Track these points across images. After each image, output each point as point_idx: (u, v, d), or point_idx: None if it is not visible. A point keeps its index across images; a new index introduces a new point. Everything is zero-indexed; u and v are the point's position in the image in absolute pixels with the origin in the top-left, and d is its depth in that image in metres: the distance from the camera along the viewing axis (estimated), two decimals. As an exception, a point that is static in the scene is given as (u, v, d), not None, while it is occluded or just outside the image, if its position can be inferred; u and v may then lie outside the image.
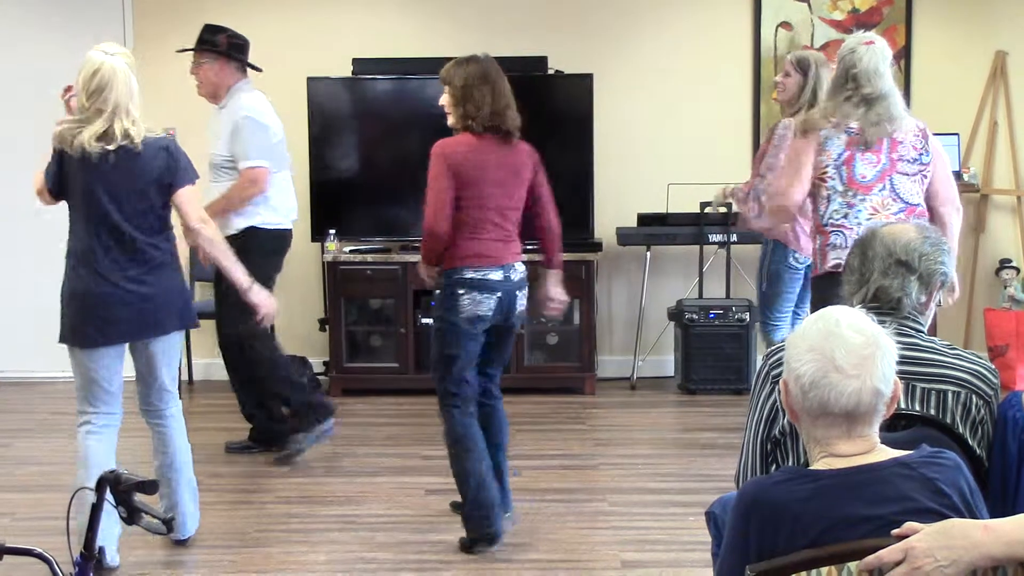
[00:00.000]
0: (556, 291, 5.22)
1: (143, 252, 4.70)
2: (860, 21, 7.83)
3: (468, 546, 4.97)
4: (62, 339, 4.73)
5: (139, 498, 2.75)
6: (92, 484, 2.74)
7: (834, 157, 4.97)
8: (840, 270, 4.74)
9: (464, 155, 4.87)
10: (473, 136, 4.90)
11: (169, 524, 2.81)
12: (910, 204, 4.96)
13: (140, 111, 4.66)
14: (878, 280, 3.05)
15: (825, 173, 4.98)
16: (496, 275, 4.91)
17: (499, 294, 4.91)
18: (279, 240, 6.27)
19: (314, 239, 7.79)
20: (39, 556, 2.72)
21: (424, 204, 4.90)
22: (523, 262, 5.05)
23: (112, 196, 4.62)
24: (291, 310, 8.03)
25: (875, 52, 4.99)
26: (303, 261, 8.03)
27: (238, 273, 4.98)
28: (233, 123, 6.12)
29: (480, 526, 4.95)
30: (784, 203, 5.09)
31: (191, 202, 4.78)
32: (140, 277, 4.69)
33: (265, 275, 5.70)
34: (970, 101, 7.98)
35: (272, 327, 5.90)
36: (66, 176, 4.65)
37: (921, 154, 4.99)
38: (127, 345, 4.79)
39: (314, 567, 4.86)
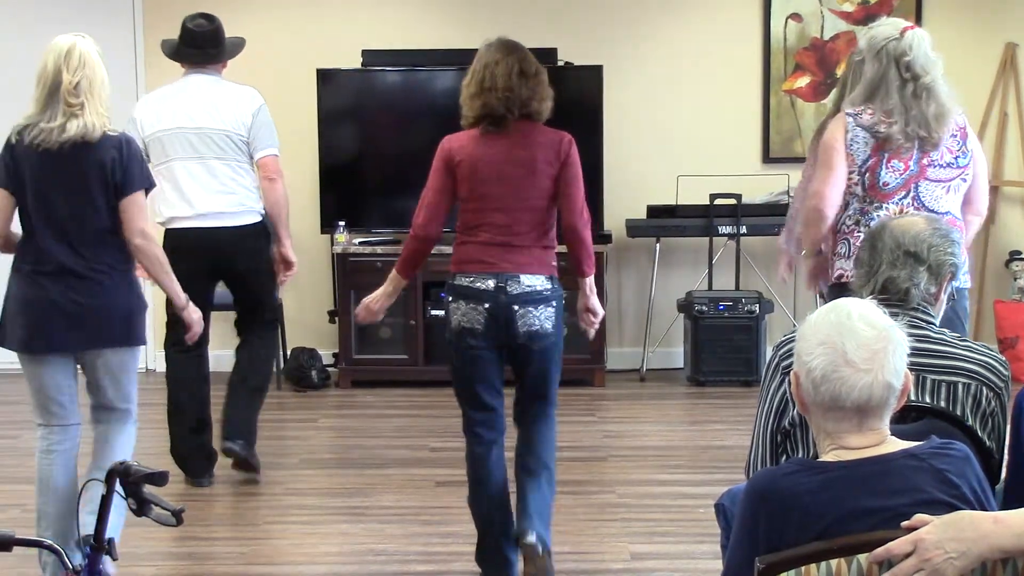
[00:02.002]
0: (590, 302, 4.64)
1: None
2: (870, 12, 7.80)
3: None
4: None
5: (149, 489, 2.75)
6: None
7: (859, 162, 4.54)
8: (843, 280, 4.50)
9: (463, 148, 4.45)
10: (477, 130, 4.46)
11: (179, 516, 2.81)
12: (938, 213, 4.43)
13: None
14: (886, 272, 3.05)
15: (850, 178, 4.56)
16: (486, 283, 4.37)
17: (487, 305, 4.35)
18: (166, 240, 5.52)
19: (323, 231, 7.80)
20: (49, 547, 2.73)
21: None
22: (550, 276, 4.47)
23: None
24: (300, 302, 8.05)
25: (923, 37, 4.58)
26: (313, 253, 8.04)
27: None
28: None
29: (486, 568, 4.60)
30: (817, 204, 4.58)
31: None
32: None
33: None
34: (980, 93, 7.95)
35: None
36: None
37: (957, 156, 4.56)
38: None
39: (324, 558, 4.87)
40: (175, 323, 5.21)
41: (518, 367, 4.52)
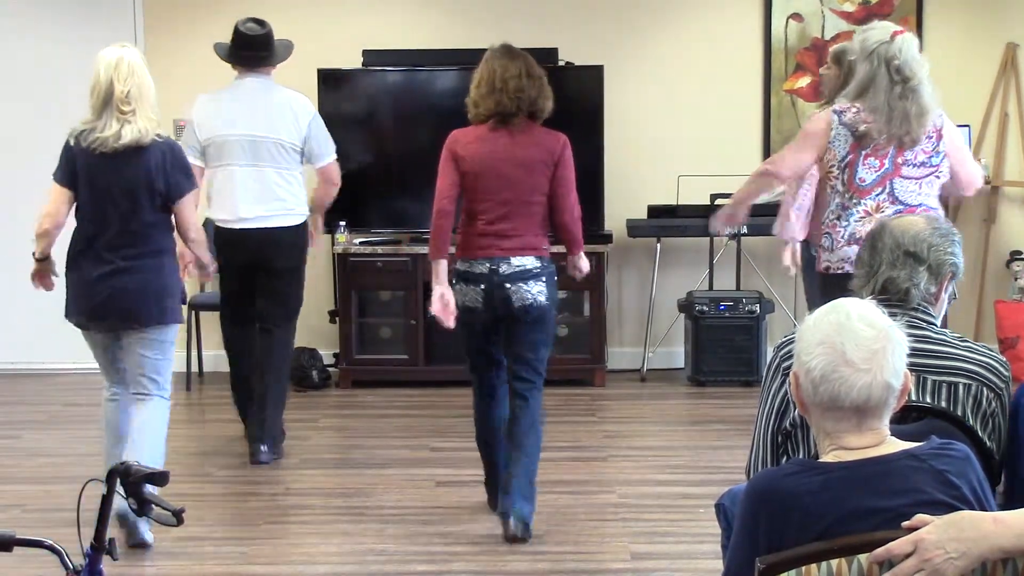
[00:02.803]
0: (579, 262, 5.23)
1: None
2: (871, 12, 7.80)
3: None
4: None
5: (150, 489, 2.75)
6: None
7: (839, 158, 4.88)
8: (829, 272, 4.90)
9: (466, 145, 4.95)
10: (483, 126, 4.96)
11: (179, 516, 2.81)
12: (908, 205, 4.83)
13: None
14: (886, 272, 3.04)
15: (831, 172, 4.92)
16: (482, 267, 4.95)
17: (482, 286, 4.94)
18: (216, 233, 6.16)
19: (324, 231, 7.79)
20: (49, 548, 2.72)
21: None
22: (539, 256, 5.01)
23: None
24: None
25: (912, 41, 4.90)
26: (313, 253, 8.01)
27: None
28: None
29: (492, 493, 5.25)
30: (771, 168, 5.16)
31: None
32: None
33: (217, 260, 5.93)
34: (981, 93, 7.95)
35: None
36: None
37: (931, 156, 4.90)
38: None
39: (325, 558, 4.87)
40: (228, 298, 6.25)
41: (509, 334, 5.05)
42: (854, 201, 4.87)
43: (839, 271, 4.80)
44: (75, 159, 4.87)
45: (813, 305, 5.90)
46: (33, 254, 5.07)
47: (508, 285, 4.93)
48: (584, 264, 5.25)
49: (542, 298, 4.97)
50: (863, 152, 4.85)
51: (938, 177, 4.92)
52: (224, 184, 6.07)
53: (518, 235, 4.95)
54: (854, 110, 4.86)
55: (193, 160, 5.73)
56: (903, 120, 4.80)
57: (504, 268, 4.93)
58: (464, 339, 5.14)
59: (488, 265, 4.94)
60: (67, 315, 5.01)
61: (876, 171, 4.86)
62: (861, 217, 4.85)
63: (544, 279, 4.99)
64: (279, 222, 6.07)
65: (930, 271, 3.04)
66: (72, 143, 4.88)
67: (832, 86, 5.95)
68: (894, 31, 4.89)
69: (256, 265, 6.12)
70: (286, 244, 6.12)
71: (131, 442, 4.87)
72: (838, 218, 4.90)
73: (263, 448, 6.04)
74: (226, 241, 6.10)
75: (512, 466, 4.99)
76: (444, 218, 4.96)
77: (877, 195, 4.86)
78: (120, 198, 4.86)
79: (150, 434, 4.94)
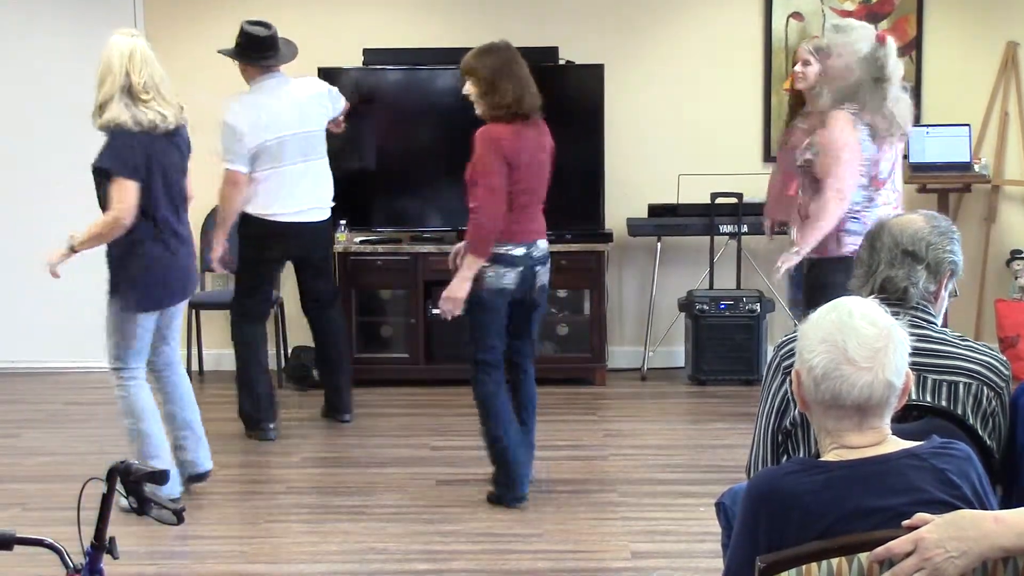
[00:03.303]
0: None
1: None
2: (872, 11, 7.80)
3: (496, 501, 5.38)
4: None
5: (149, 488, 2.75)
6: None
7: (866, 157, 5.14)
8: (852, 254, 4.91)
9: (511, 142, 5.12)
10: (506, 124, 5.12)
11: (180, 515, 2.81)
12: (898, 192, 5.33)
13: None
14: (885, 271, 3.04)
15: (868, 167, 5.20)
16: (519, 251, 5.20)
17: (520, 268, 5.21)
18: (262, 227, 6.35)
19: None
20: (49, 546, 2.72)
21: (473, 190, 5.13)
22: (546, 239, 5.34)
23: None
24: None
25: (893, 44, 5.20)
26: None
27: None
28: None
29: (508, 488, 5.36)
30: (845, 196, 5.17)
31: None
32: None
33: (247, 256, 6.43)
34: (981, 92, 7.94)
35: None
36: None
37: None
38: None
39: (325, 557, 4.87)
40: (256, 292, 6.58)
41: (523, 316, 5.38)
42: (877, 192, 5.19)
43: None
44: (138, 147, 5.04)
45: (797, 304, 6.03)
46: (72, 248, 5.09)
47: (538, 268, 5.30)
48: None
49: (543, 280, 5.40)
50: (880, 150, 5.17)
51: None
52: (282, 181, 6.28)
53: (538, 220, 5.33)
54: (854, 110, 5.15)
55: (239, 167, 6.14)
56: (894, 120, 5.13)
57: (535, 252, 5.28)
58: (488, 324, 5.25)
59: (524, 249, 5.23)
60: (153, 303, 5.23)
61: (890, 163, 5.22)
62: (883, 204, 5.16)
63: (548, 261, 5.42)
64: (325, 215, 6.53)
65: (928, 269, 3.03)
66: (133, 132, 5.02)
67: (812, 82, 5.81)
68: (879, 33, 5.23)
69: (304, 255, 6.54)
70: (327, 235, 6.68)
71: (191, 407, 5.50)
72: (866, 207, 5.16)
73: (347, 417, 6.80)
74: (278, 234, 6.33)
75: (529, 422, 5.47)
76: (500, 219, 5.13)
77: (889, 185, 5.25)
78: (175, 178, 5.23)
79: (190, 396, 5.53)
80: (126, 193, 5.01)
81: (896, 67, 5.16)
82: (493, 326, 5.27)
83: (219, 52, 6.41)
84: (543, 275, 5.36)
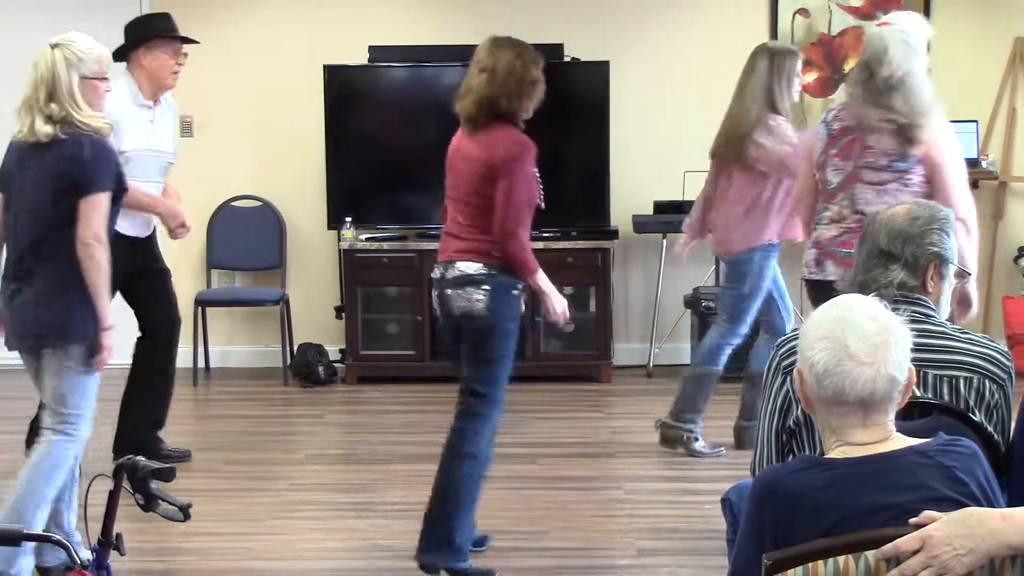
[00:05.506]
0: None
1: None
2: (879, 7, 7.78)
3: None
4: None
5: (156, 485, 2.76)
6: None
7: (816, 157, 4.76)
8: (810, 278, 4.77)
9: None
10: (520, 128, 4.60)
11: (186, 511, 2.82)
12: (864, 214, 4.43)
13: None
14: (861, 275, 3.03)
15: (817, 173, 4.80)
16: (437, 272, 4.61)
17: (435, 291, 4.61)
18: None
19: (330, 227, 7.80)
20: (57, 542, 2.73)
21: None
22: (484, 263, 4.50)
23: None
24: (307, 297, 8.05)
25: (887, 33, 4.59)
26: (319, 249, 8.04)
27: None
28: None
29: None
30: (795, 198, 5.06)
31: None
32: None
33: None
34: (989, 88, 7.93)
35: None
36: None
37: (894, 160, 4.56)
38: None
39: (330, 554, 4.87)
40: None
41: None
42: (823, 205, 4.74)
43: (807, 277, 4.80)
44: None
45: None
46: None
47: (448, 291, 4.58)
48: None
49: (462, 308, 4.58)
50: (831, 152, 4.69)
51: (905, 185, 4.56)
52: None
53: (458, 237, 4.62)
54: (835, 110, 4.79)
55: None
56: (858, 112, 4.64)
57: (448, 273, 4.58)
58: (511, 351, 4.58)
59: (438, 270, 4.61)
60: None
61: (840, 173, 4.66)
62: (828, 224, 4.71)
63: (471, 286, 4.58)
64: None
65: (906, 266, 2.99)
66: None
67: None
68: (880, 21, 4.82)
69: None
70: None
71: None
72: (818, 222, 4.78)
73: None
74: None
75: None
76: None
77: (840, 200, 4.66)
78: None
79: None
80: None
81: (875, 51, 4.60)
82: (513, 353, 4.63)
83: None
84: (459, 301, 4.50)
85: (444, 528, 4.52)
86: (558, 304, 4.62)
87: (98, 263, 4.29)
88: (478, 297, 4.48)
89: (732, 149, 5.91)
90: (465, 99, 4.54)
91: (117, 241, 4.59)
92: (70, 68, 4.31)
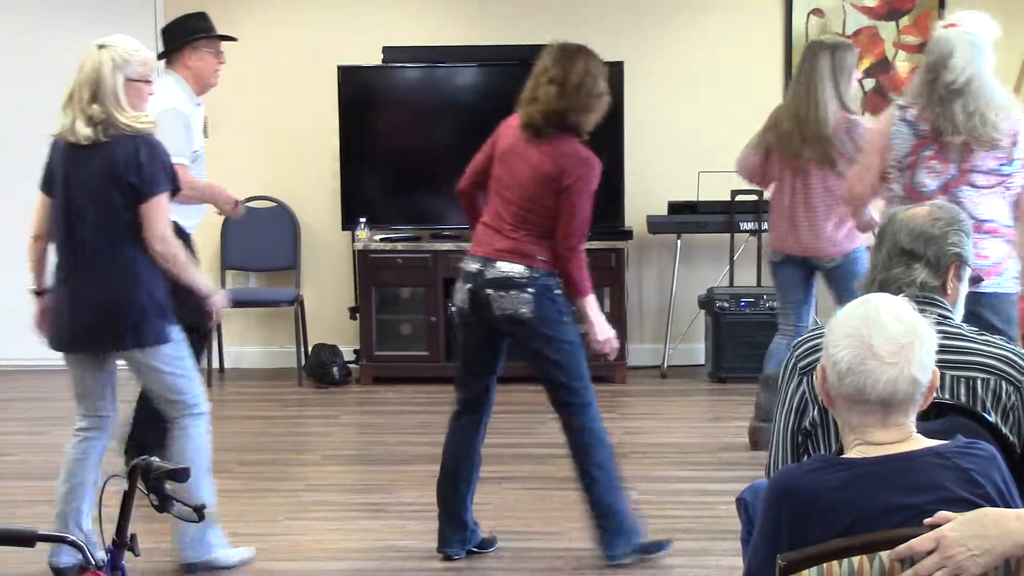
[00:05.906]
0: None
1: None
2: (893, 8, 7.77)
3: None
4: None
5: (170, 486, 2.76)
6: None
7: (899, 157, 4.63)
8: None
9: None
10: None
11: (200, 512, 2.82)
12: (977, 220, 4.34)
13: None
14: (882, 272, 3.02)
15: (889, 174, 4.67)
16: (473, 266, 4.56)
17: (469, 286, 4.54)
18: None
19: (344, 227, 7.81)
20: (72, 543, 2.74)
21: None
22: (528, 265, 4.49)
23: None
24: (322, 298, 8.06)
25: (953, 35, 4.53)
26: (334, 249, 8.05)
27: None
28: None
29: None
30: (847, 195, 4.95)
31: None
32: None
33: None
34: (1003, 89, 7.89)
35: None
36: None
37: (1002, 164, 4.56)
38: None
39: (345, 554, 4.88)
40: None
41: (489, 344, 4.67)
42: None
43: None
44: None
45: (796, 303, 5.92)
46: None
47: (489, 291, 4.58)
48: None
49: (506, 309, 4.60)
50: (925, 154, 4.60)
51: (1008, 188, 4.59)
52: None
53: (505, 236, 4.64)
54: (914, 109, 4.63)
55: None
56: (959, 120, 4.54)
57: (488, 272, 4.58)
58: (575, 335, 4.58)
59: (477, 264, 4.63)
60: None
61: (937, 176, 4.58)
62: None
63: (517, 289, 4.60)
64: None
65: (928, 265, 2.98)
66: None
67: None
68: (946, 23, 4.66)
69: None
70: None
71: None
72: None
73: None
74: None
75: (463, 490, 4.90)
76: None
77: None
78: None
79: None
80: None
81: (940, 54, 4.54)
82: (461, 354, 4.75)
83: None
84: (504, 303, 4.49)
85: (611, 520, 4.63)
86: (602, 333, 4.59)
87: (174, 257, 4.41)
88: (523, 299, 4.47)
89: (811, 151, 5.69)
90: (530, 107, 4.49)
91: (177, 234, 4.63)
92: (116, 70, 4.33)
